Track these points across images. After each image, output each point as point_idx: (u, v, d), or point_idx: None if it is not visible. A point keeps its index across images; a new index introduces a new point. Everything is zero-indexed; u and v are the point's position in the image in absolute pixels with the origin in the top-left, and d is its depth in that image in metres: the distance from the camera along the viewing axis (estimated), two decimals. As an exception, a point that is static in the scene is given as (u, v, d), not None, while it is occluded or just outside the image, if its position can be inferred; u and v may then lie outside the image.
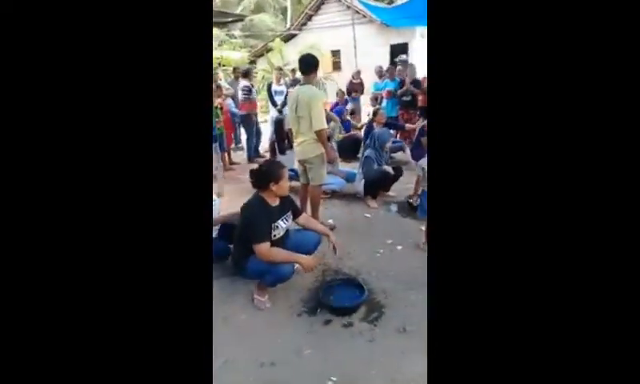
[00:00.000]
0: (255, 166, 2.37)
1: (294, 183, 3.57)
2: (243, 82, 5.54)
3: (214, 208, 2.63)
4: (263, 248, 2.05)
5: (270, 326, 2.05)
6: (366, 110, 6.53)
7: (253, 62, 12.77)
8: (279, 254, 2.10)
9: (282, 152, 4.17)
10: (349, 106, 6.11)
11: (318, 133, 2.86)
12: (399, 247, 2.83)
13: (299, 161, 3.10)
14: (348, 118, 5.85)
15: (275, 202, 2.22)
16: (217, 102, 4.89)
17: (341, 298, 2.16)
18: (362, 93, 6.56)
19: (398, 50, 10.54)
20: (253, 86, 5.71)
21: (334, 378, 1.67)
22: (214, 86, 4.97)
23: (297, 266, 2.15)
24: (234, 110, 5.63)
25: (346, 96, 6.33)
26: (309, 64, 2.94)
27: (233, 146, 5.92)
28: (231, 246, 2.42)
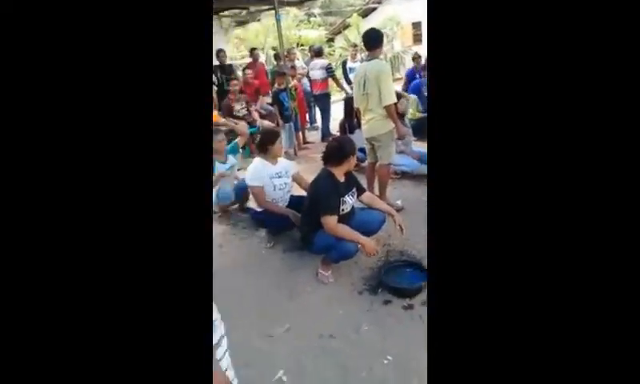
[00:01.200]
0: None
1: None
2: (318, 61, 5.59)
3: (280, 186, 2.76)
4: (331, 220, 2.11)
5: (332, 300, 2.13)
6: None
7: (331, 40, 12.73)
8: (344, 230, 2.14)
9: (351, 131, 4.16)
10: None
11: (387, 107, 2.79)
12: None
13: (367, 139, 3.07)
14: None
15: (342, 178, 2.27)
16: (291, 83, 5.03)
17: (403, 280, 2.14)
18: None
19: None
20: (331, 65, 5.71)
21: (390, 357, 1.69)
22: (286, 66, 5.10)
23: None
24: (308, 89, 5.73)
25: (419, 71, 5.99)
26: (372, 38, 2.85)
27: (307, 125, 6.06)
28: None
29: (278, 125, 4.75)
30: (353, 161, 2.28)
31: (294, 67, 5.35)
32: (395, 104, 3.46)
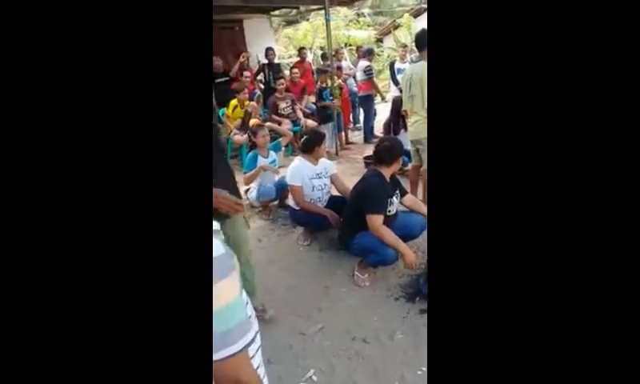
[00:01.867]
0: (370, 147, 2.41)
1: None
2: (362, 62, 5.54)
3: (319, 186, 2.76)
4: (377, 220, 2.08)
5: (367, 303, 2.09)
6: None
7: (380, 41, 12.57)
8: (388, 233, 2.09)
9: (396, 133, 4.07)
10: None
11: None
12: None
13: (412, 141, 3.00)
14: None
15: (388, 179, 2.23)
16: (337, 82, 5.02)
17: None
18: None
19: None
20: (371, 67, 5.67)
21: (424, 369, 1.62)
22: (334, 66, 5.12)
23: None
24: (354, 89, 5.69)
25: None
26: (424, 37, 2.78)
27: (351, 125, 6.03)
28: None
29: (320, 124, 4.76)
30: (400, 162, 2.25)
31: (339, 68, 5.34)
32: None
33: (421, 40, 2.83)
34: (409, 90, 2.84)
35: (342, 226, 2.44)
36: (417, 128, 2.87)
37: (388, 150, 2.20)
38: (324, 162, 2.88)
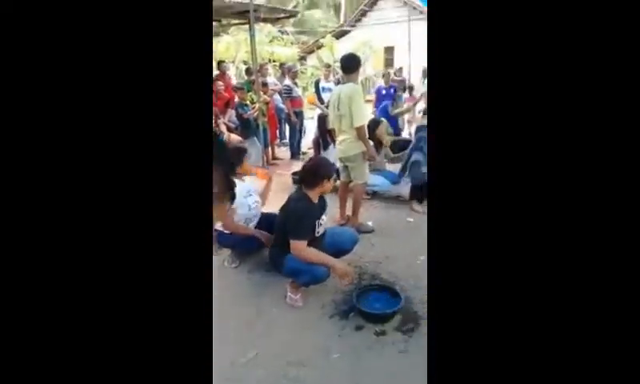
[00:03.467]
0: (297, 162, 2.37)
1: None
2: (286, 81, 5.60)
3: (253, 205, 2.64)
4: (299, 245, 2.03)
5: (301, 324, 2.03)
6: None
7: (303, 59, 12.88)
8: (314, 254, 2.06)
9: (325, 148, 4.15)
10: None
11: (358, 129, 2.83)
12: (441, 256, 2.68)
13: (340, 159, 3.09)
14: (395, 111, 5.72)
15: (316, 200, 2.20)
16: (262, 98, 4.98)
17: (375, 305, 2.08)
18: (402, 91, 6.33)
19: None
20: (297, 85, 5.76)
21: (362, 388, 1.60)
22: (260, 82, 5.09)
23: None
24: (281, 106, 5.69)
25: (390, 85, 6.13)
26: (350, 63, 2.92)
27: (277, 141, 6.00)
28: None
29: (244, 138, 4.66)
30: (329, 185, 2.19)
31: (265, 84, 5.32)
32: (375, 131, 3.50)
33: (346, 64, 2.95)
34: (337, 109, 2.92)
35: (271, 247, 2.36)
36: (345, 146, 2.96)
37: (313, 172, 2.16)
38: (247, 180, 2.77)
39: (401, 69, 6.49)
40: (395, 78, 6.31)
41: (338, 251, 2.26)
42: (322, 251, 2.10)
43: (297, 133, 5.67)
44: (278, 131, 6.06)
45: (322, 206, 2.24)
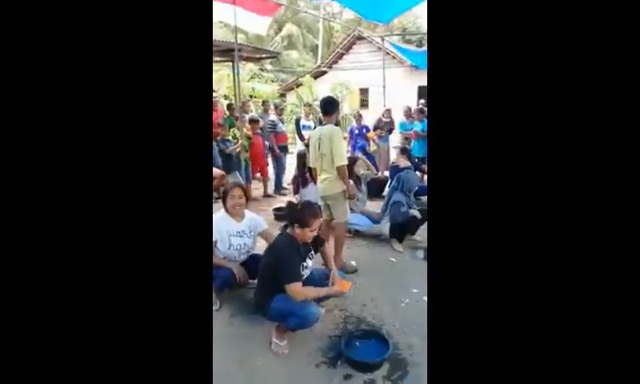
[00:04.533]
0: (279, 198, 2.32)
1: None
2: (271, 116, 5.65)
3: (237, 246, 2.56)
4: (297, 287, 1.98)
5: (287, 375, 1.93)
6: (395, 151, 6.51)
7: (282, 96, 13.14)
8: (312, 291, 2.08)
9: (304, 185, 4.16)
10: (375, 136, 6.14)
11: (339, 168, 2.89)
12: (425, 298, 2.68)
13: (322, 197, 3.10)
14: (371, 149, 5.86)
15: (301, 242, 2.16)
16: (247, 133, 4.99)
17: (363, 352, 2.02)
18: (390, 132, 6.54)
19: (426, 92, 10.63)
20: (282, 121, 5.80)
21: (354, 446, 1.52)
22: (247, 118, 5.10)
23: (322, 311, 2.05)
24: (270, 142, 5.68)
25: (374, 132, 6.33)
26: (330, 104, 3.03)
27: (267, 177, 5.93)
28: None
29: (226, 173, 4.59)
30: (314, 232, 2.14)
31: (255, 120, 5.36)
32: (352, 168, 3.56)
33: (325, 106, 3.05)
34: (318, 149, 2.97)
35: (256, 289, 2.28)
36: (326, 185, 2.99)
37: (301, 215, 2.11)
38: (252, 218, 2.65)
39: (389, 110, 6.66)
40: (384, 119, 6.50)
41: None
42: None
43: (281, 168, 5.67)
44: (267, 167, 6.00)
45: (307, 247, 2.21)
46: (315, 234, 2.17)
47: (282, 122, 5.85)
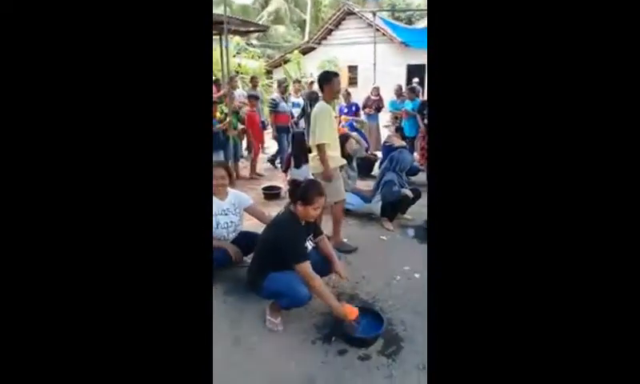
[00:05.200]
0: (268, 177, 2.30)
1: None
2: (274, 94, 5.48)
3: (224, 224, 2.54)
4: (306, 267, 1.96)
5: (283, 351, 1.95)
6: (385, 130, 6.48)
7: (269, 72, 12.84)
8: (321, 284, 2.00)
9: (297, 166, 4.12)
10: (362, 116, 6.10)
11: (318, 146, 2.87)
12: (417, 275, 2.72)
13: (312, 175, 3.08)
14: (359, 126, 5.82)
15: (303, 221, 2.15)
16: (246, 109, 4.87)
17: (358, 328, 2.05)
18: (379, 110, 6.49)
19: (415, 70, 10.55)
20: (284, 99, 5.59)
21: (351, 418, 1.56)
22: (245, 94, 4.94)
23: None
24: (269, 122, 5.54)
25: (362, 111, 6.27)
26: (322, 79, 3.00)
27: (261, 154, 5.81)
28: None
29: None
30: (320, 204, 2.09)
31: (255, 96, 5.21)
32: (343, 145, 3.53)
33: (319, 81, 3.03)
34: (310, 127, 2.95)
35: (250, 267, 2.27)
36: (315, 162, 2.99)
37: (307, 192, 2.08)
38: (235, 195, 2.65)
39: (377, 88, 6.56)
40: (373, 97, 6.42)
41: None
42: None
43: (282, 149, 5.50)
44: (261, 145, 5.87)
45: (308, 228, 2.20)
46: (319, 212, 2.15)
47: (285, 101, 5.63)
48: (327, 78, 2.97)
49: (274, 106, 5.37)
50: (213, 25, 5.51)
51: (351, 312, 1.98)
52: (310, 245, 2.18)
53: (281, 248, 2.02)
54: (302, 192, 2.10)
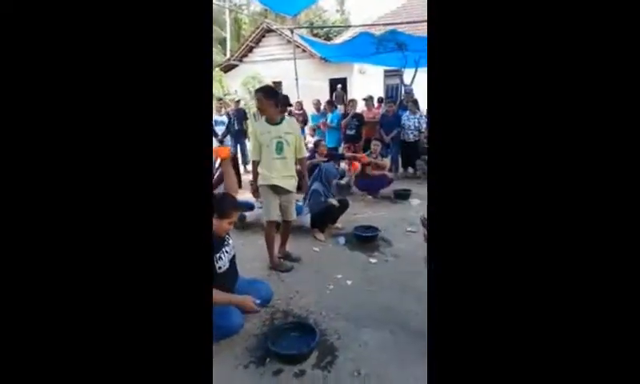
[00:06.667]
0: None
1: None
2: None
3: None
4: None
5: (216, 381, 1.83)
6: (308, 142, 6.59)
7: (191, 91, 12.38)
8: (220, 296, 1.96)
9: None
10: None
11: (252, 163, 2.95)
12: (349, 282, 2.77)
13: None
14: None
15: (222, 233, 2.09)
16: None
17: (290, 345, 2.01)
18: (305, 123, 6.60)
19: (337, 84, 10.96)
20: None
21: (288, 440, 1.51)
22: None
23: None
24: None
25: None
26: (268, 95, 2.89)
27: None
28: None
29: None
30: (229, 224, 2.12)
31: None
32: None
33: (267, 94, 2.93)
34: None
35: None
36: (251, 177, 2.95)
37: (217, 205, 2.07)
38: None
39: (300, 103, 6.65)
40: (295, 111, 6.47)
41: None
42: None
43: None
44: None
45: (221, 242, 2.13)
46: (232, 227, 2.12)
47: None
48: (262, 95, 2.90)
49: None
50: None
51: (244, 300, 2.04)
52: (225, 257, 2.12)
53: None
54: (217, 205, 2.06)
